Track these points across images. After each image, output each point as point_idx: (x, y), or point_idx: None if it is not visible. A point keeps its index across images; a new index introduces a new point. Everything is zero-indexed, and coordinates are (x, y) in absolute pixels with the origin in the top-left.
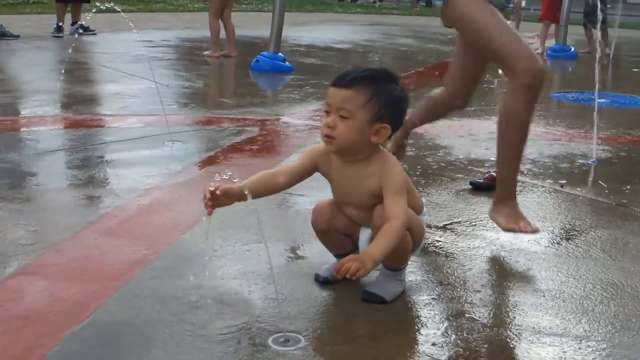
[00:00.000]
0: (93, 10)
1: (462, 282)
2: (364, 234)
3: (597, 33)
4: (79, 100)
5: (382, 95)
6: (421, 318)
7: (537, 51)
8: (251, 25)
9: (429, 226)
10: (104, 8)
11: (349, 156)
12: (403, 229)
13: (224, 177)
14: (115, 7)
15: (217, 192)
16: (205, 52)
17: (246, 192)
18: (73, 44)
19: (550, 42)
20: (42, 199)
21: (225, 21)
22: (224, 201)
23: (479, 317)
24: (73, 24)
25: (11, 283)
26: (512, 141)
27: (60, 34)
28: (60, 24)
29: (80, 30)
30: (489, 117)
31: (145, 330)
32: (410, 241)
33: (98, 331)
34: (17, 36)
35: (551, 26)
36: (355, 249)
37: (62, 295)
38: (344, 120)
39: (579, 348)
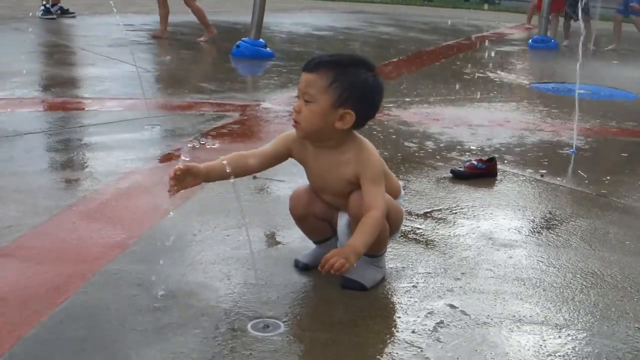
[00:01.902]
0: None
1: (442, 270)
2: (342, 219)
3: (581, 24)
4: (58, 83)
5: (344, 80)
6: (401, 305)
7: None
8: (232, 10)
9: (410, 214)
10: None
11: (318, 142)
12: (383, 219)
13: (206, 146)
14: None
15: (181, 166)
16: (200, 39)
17: (227, 168)
18: (53, 26)
19: (523, 34)
20: (20, 181)
21: (188, 3)
22: (191, 181)
23: (459, 305)
24: (53, 5)
25: None
26: None
27: (53, 16)
28: (47, 5)
29: (59, 12)
30: (471, 107)
31: (122, 315)
32: (388, 227)
33: (75, 315)
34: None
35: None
36: (334, 234)
37: (39, 278)
38: (308, 105)
39: (559, 336)
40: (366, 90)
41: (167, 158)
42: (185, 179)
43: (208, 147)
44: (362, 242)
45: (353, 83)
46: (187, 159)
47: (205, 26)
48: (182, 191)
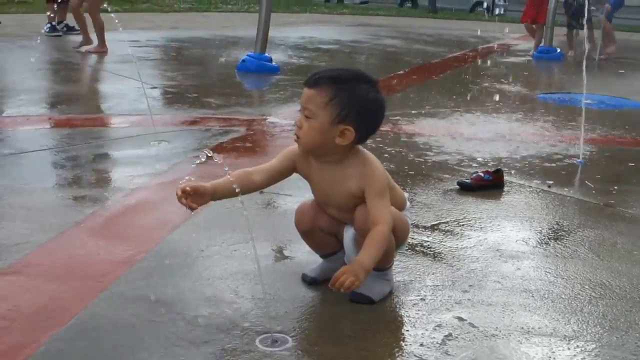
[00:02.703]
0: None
1: (450, 282)
2: (348, 233)
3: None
4: (65, 100)
5: (344, 96)
6: (409, 318)
7: (530, 54)
8: (237, 25)
9: (417, 226)
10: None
11: (321, 157)
12: (390, 234)
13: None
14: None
15: (187, 188)
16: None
17: (234, 187)
18: (59, 43)
19: (527, 44)
20: (28, 198)
21: (91, 14)
22: (198, 200)
23: (467, 318)
24: (59, 23)
25: None
26: None
27: (58, 33)
28: (54, 23)
29: (65, 29)
30: (477, 118)
31: (131, 331)
32: (394, 240)
33: (83, 331)
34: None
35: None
36: (340, 248)
37: (47, 295)
38: (307, 120)
39: (568, 348)
40: (366, 106)
41: (174, 174)
42: (193, 199)
43: (215, 162)
44: (370, 258)
45: (353, 99)
46: (192, 179)
47: (100, 41)
48: (189, 205)
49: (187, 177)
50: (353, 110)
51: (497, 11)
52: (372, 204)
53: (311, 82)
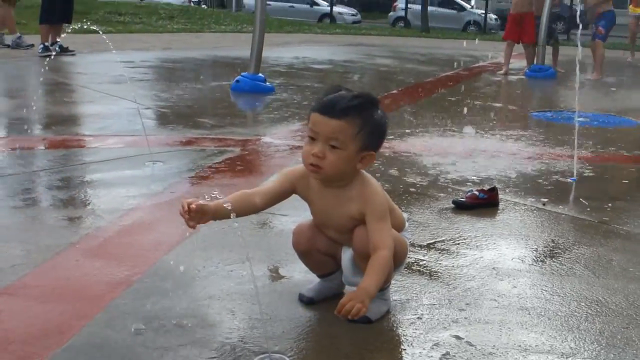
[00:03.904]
0: (68, 30)
1: (447, 301)
2: (346, 254)
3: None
4: (59, 121)
5: (370, 125)
6: (406, 337)
7: (500, 72)
8: (231, 45)
9: (413, 245)
10: (86, 28)
11: (332, 182)
12: (391, 258)
13: (208, 198)
14: (94, 28)
15: (193, 206)
16: None
17: (230, 209)
18: (52, 64)
19: (520, 63)
20: (22, 220)
21: None
22: (200, 218)
23: (465, 336)
24: (52, 44)
25: None
26: None
27: (50, 53)
28: (47, 43)
29: (58, 50)
30: (471, 137)
31: (127, 353)
32: (392, 263)
33: (80, 353)
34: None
35: (516, 46)
36: (338, 268)
37: (43, 317)
38: (334, 151)
39: None
40: (383, 130)
41: (169, 194)
42: (196, 216)
43: (210, 182)
44: (374, 284)
45: (376, 127)
46: (195, 198)
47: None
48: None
49: (188, 197)
50: (375, 136)
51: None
52: (373, 228)
53: (337, 113)
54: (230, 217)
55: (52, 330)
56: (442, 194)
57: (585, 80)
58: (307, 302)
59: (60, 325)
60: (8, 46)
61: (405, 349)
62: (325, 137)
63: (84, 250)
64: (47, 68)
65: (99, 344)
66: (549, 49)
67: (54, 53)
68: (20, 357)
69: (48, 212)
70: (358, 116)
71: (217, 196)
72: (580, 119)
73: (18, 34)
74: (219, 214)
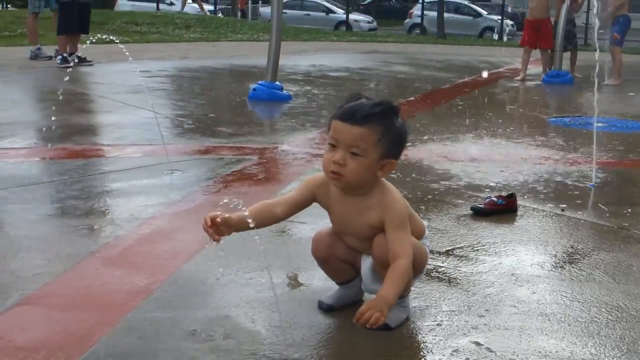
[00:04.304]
0: (87, 43)
1: (466, 307)
2: (366, 262)
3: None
4: (77, 131)
5: (391, 132)
6: (426, 344)
7: (518, 78)
8: (247, 54)
9: (432, 252)
10: (103, 38)
11: (353, 190)
12: (410, 266)
13: (230, 205)
14: (111, 38)
15: (218, 219)
16: None
17: (250, 221)
18: (71, 75)
19: (537, 69)
20: (42, 229)
21: None
22: (224, 230)
23: (484, 342)
24: (70, 54)
25: (12, 314)
26: None
27: (68, 65)
28: (65, 54)
29: (76, 60)
30: (489, 143)
31: None
32: (411, 271)
33: None
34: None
35: (533, 52)
36: (357, 275)
37: (63, 325)
38: (356, 158)
39: None
40: (404, 138)
41: (188, 203)
42: (220, 229)
43: (228, 190)
44: (392, 293)
45: (397, 134)
46: (215, 210)
47: None
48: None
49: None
50: (396, 144)
51: (505, 37)
52: (393, 236)
53: (359, 120)
54: (251, 228)
55: (73, 339)
56: (460, 201)
57: (603, 85)
58: (326, 309)
59: (81, 333)
60: (50, 58)
61: (424, 356)
62: (346, 145)
63: (104, 259)
64: (66, 78)
65: (119, 352)
66: (566, 55)
67: (72, 64)
68: None
69: (68, 221)
70: (379, 123)
71: (239, 204)
72: (599, 124)
73: (38, 45)
74: (241, 226)
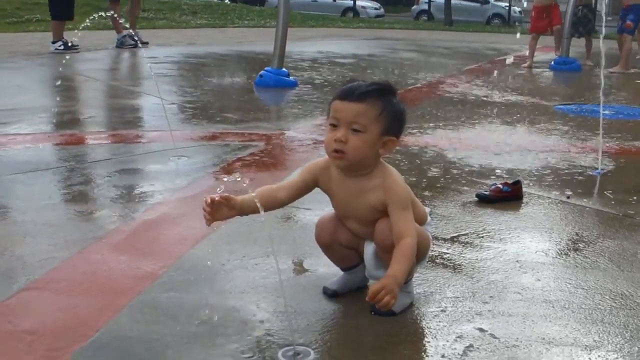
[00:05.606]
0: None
1: (470, 293)
2: (369, 247)
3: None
4: (84, 117)
5: (391, 108)
6: (430, 330)
7: (524, 65)
8: (254, 40)
9: (436, 238)
10: (109, 24)
11: (355, 171)
12: (416, 245)
13: (235, 179)
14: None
15: (217, 198)
16: None
17: (259, 205)
18: (75, 61)
19: (544, 56)
20: (49, 214)
21: None
22: (226, 213)
23: (488, 329)
24: (62, 42)
25: (19, 298)
26: None
27: (76, 49)
28: (65, 39)
29: (62, 47)
30: (494, 130)
31: (154, 345)
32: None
33: (107, 346)
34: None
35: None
36: (361, 261)
37: (70, 310)
38: (357, 134)
39: (589, 358)
40: (403, 117)
41: (194, 189)
42: (221, 210)
43: (234, 177)
44: (401, 271)
45: (396, 112)
46: (221, 191)
47: None
48: (216, 222)
49: (218, 190)
50: (397, 120)
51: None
52: (396, 217)
53: (357, 97)
54: (255, 212)
55: (79, 323)
56: (465, 188)
57: (610, 73)
58: (331, 294)
59: (87, 318)
60: (135, 44)
61: (429, 341)
62: (347, 122)
63: (110, 244)
64: (72, 65)
65: (126, 336)
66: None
67: (78, 49)
68: (49, 349)
69: (74, 206)
70: (378, 99)
71: (245, 186)
72: (605, 112)
73: (127, 32)
74: (245, 209)
